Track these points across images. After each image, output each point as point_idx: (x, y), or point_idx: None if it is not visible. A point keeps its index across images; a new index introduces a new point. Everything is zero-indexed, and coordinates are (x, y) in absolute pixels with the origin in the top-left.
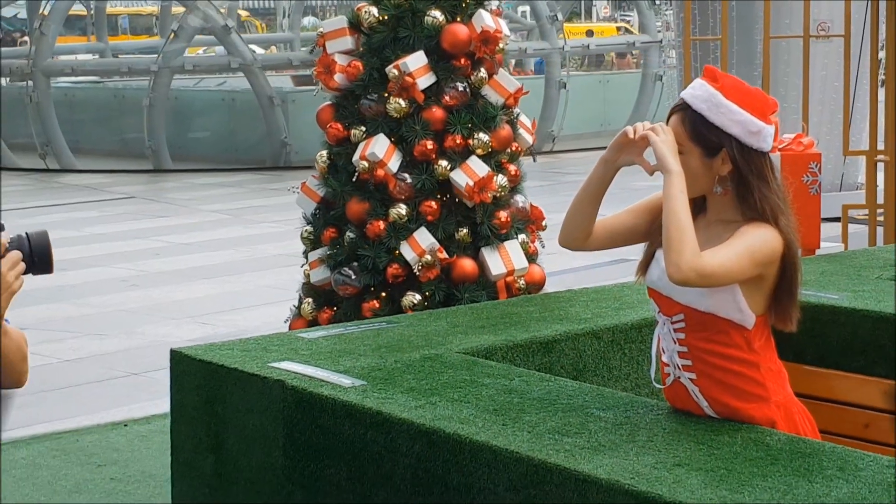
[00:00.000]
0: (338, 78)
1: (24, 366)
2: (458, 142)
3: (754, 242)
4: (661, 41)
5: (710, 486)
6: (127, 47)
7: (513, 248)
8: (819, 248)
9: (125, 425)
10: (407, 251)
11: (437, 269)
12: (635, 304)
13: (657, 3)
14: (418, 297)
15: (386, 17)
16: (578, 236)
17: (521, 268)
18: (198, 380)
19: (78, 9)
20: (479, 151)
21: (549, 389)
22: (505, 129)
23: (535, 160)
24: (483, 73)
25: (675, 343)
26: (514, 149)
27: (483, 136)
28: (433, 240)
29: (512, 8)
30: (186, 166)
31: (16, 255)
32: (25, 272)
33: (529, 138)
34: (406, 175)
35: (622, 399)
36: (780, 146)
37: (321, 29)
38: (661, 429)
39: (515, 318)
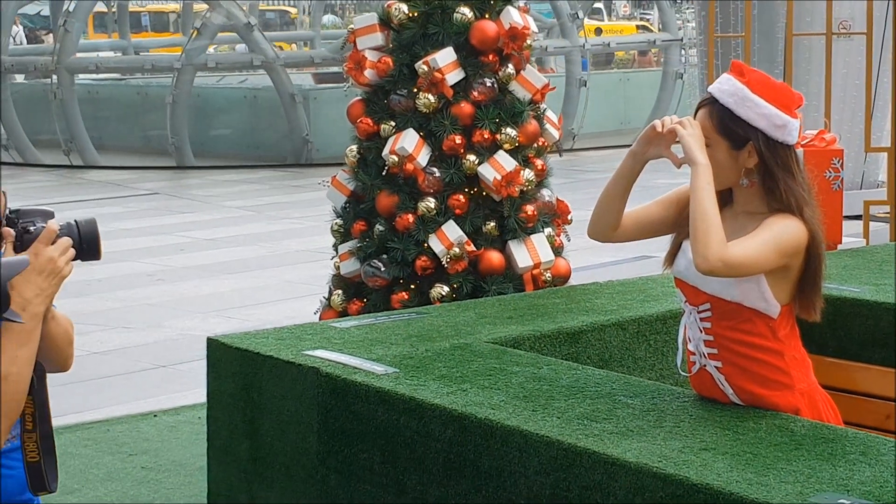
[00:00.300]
0: (368, 73)
1: (70, 350)
2: (485, 136)
3: (780, 233)
4: (681, 39)
5: (736, 470)
6: (150, 44)
7: (539, 241)
8: (841, 243)
9: (154, 416)
10: (435, 244)
11: (465, 261)
12: (660, 296)
13: (678, 1)
14: (446, 288)
15: (416, 14)
16: (607, 228)
17: (548, 261)
18: (234, 367)
19: (100, 6)
20: (506, 146)
21: (577, 377)
22: (532, 125)
23: (560, 155)
24: (511, 69)
25: (701, 332)
26: (540, 144)
27: (510, 131)
28: (461, 233)
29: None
30: (209, 163)
31: (66, 241)
32: (74, 258)
33: (556, 133)
34: (435, 169)
35: (649, 387)
36: (802, 142)
37: (352, 25)
38: (688, 415)
39: (542, 310)
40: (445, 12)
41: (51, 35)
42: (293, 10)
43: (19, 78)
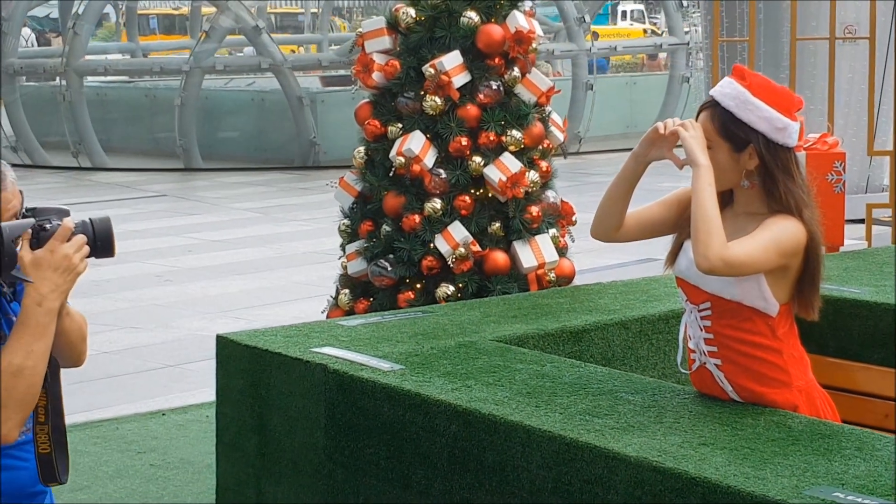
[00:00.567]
0: (376, 76)
1: (84, 346)
2: (491, 138)
3: (779, 234)
4: (688, 43)
5: (734, 464)
6: (158, 47)
7: (544, 241)
8: (843, 245)
9: (163, 414)
10: (441, 244)
11: (471, 261)
12: (663, 296)
13: (685, 5)
14: (452, 288)
15: (423, 18)
16: (610, 228)
17: (552, 261)
18: (242, 364)
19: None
20: (511, 148)
21: (579, 375)
22: (537, 127)
23: (565, 157)
24: (516, 72)
25: (701, 330)
26: (545, 146)
27: (516, 134)
28: (467, 233)
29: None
30: (217, 165)
31: (81, 238)
32: (89, 255)
33: (561, 136)
34: (441, 170)
35: (650, 384)
36: (805, 145)
37: (360, 29)
38: (688, 411)
39: (546, 309)
40: (452, 16)
41: (59, 37)
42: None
43: (29, 80)
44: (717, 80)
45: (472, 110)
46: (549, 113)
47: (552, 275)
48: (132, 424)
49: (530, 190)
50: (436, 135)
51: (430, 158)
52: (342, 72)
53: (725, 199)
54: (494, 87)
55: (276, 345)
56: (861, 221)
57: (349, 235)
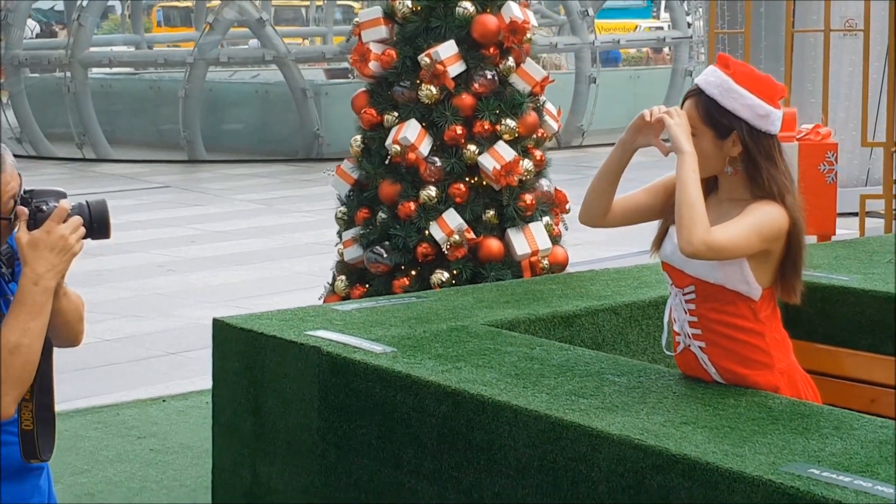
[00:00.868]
0: (372, 65)
1: (81, 326)
2: (486, 127)
3: (762, 219)
4: (691, 37)
5: (714, 442)
6: (162, 39)
7: (537, 229)
8: (835, 234)
9: (163, 401)
10: (436, 231)
11: (465, 248)
12: (653, 283)
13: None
14: (446, 274)
15: (419, 8)
16: (597, 213)
17: (545, 248)
18: (238, 347)
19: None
20: (506, 137)
21: (567, 357)
22: (531, 116)
23: (559, 145)
24: (511, 62)
25: (686, 313)
26: (539, 135)
27: (510, 122)
28: (461, 220)
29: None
30: (220, 157)
31: (77, 219)
32: (85, 237)
33: (555, 125)
34: (436, 159)
35: (636, 366)
36: (798, 136)
37: (357, 19)
38: (672, 392)
39: (538, 295)
40: (448, 6)
41: (65, 29)
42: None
43: (33, 71)
44: None
45: (467, 99)
46: (544, 102)
47: (545, 262)
48: (133, 410)
49: (524, 178)
50: (431, 123)
51: (425, 147)
52: (346, 64)
53: (710, 186)
54: (489, 76)
55: (271, 328)
56: (857, 215)
57: (346, 223)
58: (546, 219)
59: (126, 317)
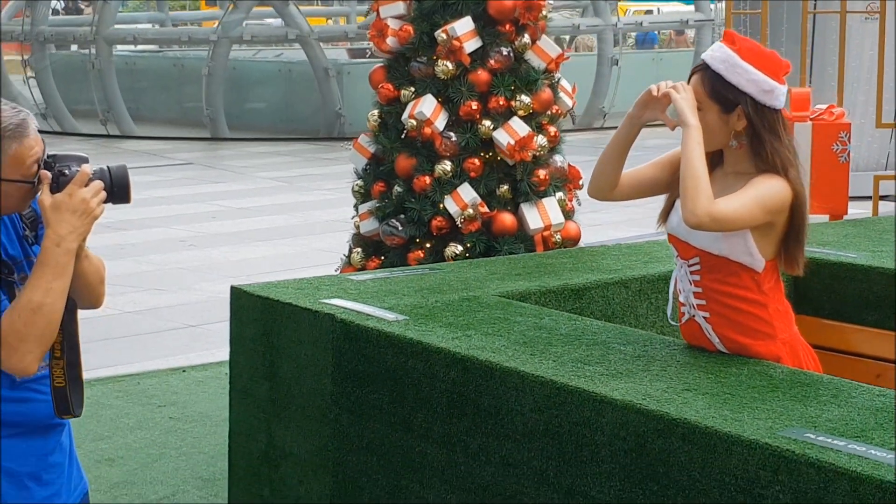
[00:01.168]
0: (390, 41)
1: (102, 288)
2: (501, 103)
3: (765, 192)
4: (713, 19)
5: (714, 408)
6: (187, 17)
7: (550, 204)
8: (847, 213)
9: (183, 371)
10: (450, 205)
11: (479, 222)
12: (664, 258)
13: None
14: (460, 248)
15: None
16: (605, 187)
17: (558, 223)
18: (255, 314)
19: None
20: (520, 113)
21: (576, 327)
22: (546, 93)
23: (574, 122)
24: (526, 38)
25: (691, 284)
26: (554, 111)
27: (525, 99)
28: (475, 195)
29: None
30: (243, 135)
31: (98, 184)
32: (106, 201)
33: (570, 101)
34: (451, 133)
35: (642, 336)
36: (811, 116)
37: None
38: (675, 361)
39: (549, 268)
40: None
41: (90, 6)
42: None
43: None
44: None
45: (482, 75)
46: (559, 79)
47: (558, 236)
48: (153, 380)
49: (538, 154)
50: (447, 99)
51: (441, 122)
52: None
53: (715, 160)
54: (505, 52)
55: (287, 296)
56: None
57: (362, 196)
58: (559, 194)
59: (148, 290)
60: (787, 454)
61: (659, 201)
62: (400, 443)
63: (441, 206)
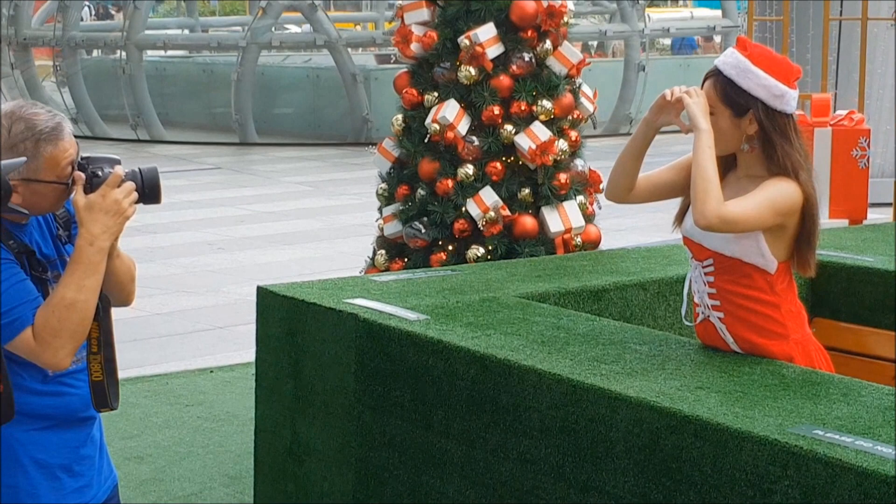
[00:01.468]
0: (414, 47)
1: (132, 286)
2: (522, 108)
3: (775, 194)
4: (740, 26)
5: (726, 405)
6: (216, 23)
7: (571, 208)
8: (866, 218)
9: (211, 371)
10: (473, 208)
11: (500, 225)
12: (682, 261)
13: None
14: (482, 250)
15: None
16: (623, 190)
17: (578, 226)
18: (280, 313)
19: None
20: (542, 117)
21: (593, 327)
22: (567, 98)
23: (595, 127)
24: (548, 44)
25: (705, 285)
26: (575, 116)
27: (546, 104)
28: (497, 198)
29: None
30: (271, 140)
31: (130, 185)
32: (137, 201)
33: (591, 107)
34: (474, 138)
35: (658, 336)
36: (832, 122)
37: (400, 2)
38: (689, 360)
39: (569, 270)
40: None
41: (121, 12)
42: None
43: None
44: None
45: (504, 81)
46: (580, 85)
47: (578, 239)
48: (181, 380)
49: (559, 158)
50: (470, 104)
51: (463, 126)
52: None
53: (729, 163)
54: (527, 58)
55: (311, 296)
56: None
57: (386, 199)
58: (580, 198)
59: (177, 292)
60: (796, 450)
61: None
62: (421, 439)
63: (463, 209)
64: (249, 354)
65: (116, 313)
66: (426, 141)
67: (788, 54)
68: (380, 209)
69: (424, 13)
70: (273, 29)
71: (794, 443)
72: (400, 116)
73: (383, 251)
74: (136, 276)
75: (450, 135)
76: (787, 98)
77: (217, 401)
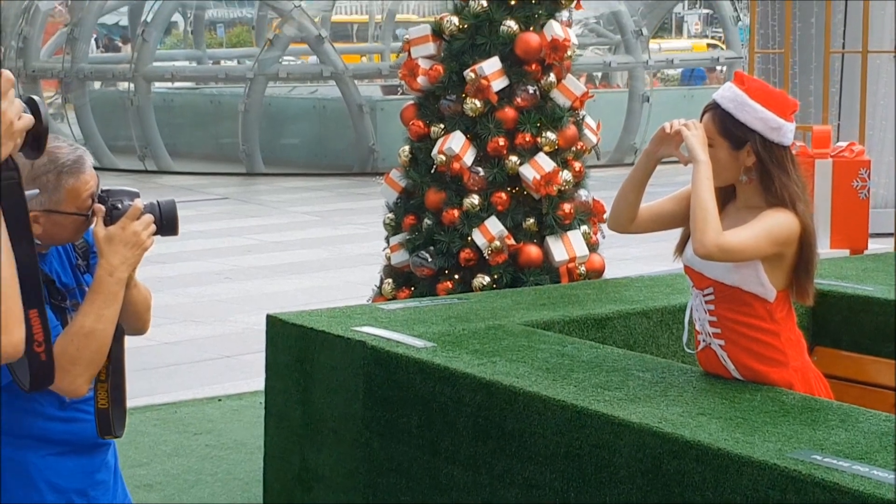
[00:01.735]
0: (420, 80)
1: (148, 315)
2: (527, 139)
3: (773, 224)
4: (743, 57)
5: (727, 431)
6: (223, 55)
7: (575, 237)
8: (867, 248)
9: (219, 400)
10: (478, 237)
11: (506, 254)
12: (685, 290)
13: (742, 19)
14: (487, 279)
15: (465, 26)
16: (624, 220)
17: (583, 255)
18: (290, 341)
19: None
20: (546, 149)
21: (597, 355)
22: (571, 129)
23: (599, 158)
24: (552, 77)
25: (706, 313)
26: (579, 147)
27: (550, 135)
28: (502, 227)
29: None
30: (278, 170)
31: (148, 218)
32: (155, 233)
33: (594, 138)
34: (479, 168)
35: (661, 363)
36: (832, 153)
37: (407, 36)
38: (691, 387)
39: (573, 298)
40: (493, 24)
41: (128, 44)
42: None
43: (96, 85)
44: None
45: (509, 113)
46: (584, 116)
47: (582, 268)
48: (190, 408)
49: (563, 188)
50: (475, 135)
51: (469, 157)
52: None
53: (728, 195)
54: (531, 91)
55: (320, 324)
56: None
57: (393, 228)
58: (584, 227)
59: (185, 321)
60: (795, 474)
61: None
62: (428, 465)
63: (469, 238)
64: (257, 383)
65: (126, 342)
66: (432, 172)
67: (790, 86)
68: (387, 238)
69: (431, 47)
70: (280, 60)
71: (793, 467)
72: (407, 148)
73: (390, 280)
74: (151, 305)
75: (456, 165)
76: (784, 131)
77: (225, 429)
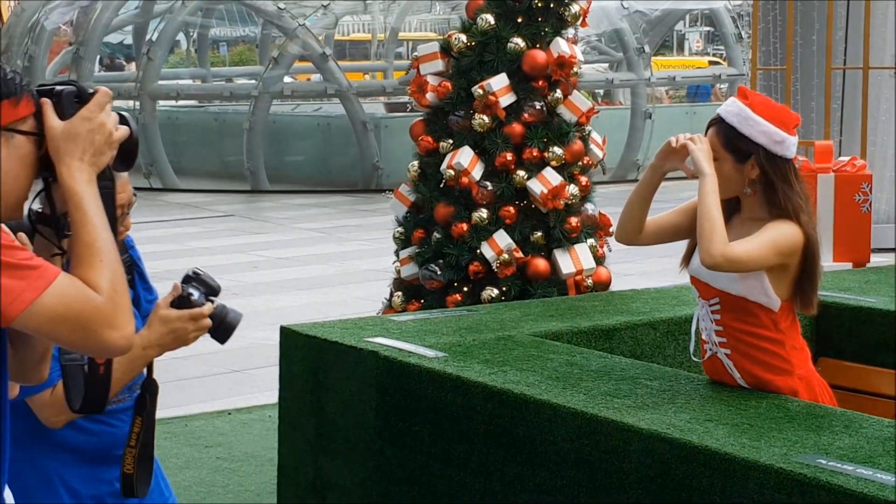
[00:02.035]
0: (429, 96)
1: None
2: (534, 154)
3: (777, 235)
4: (745, 74)
5: (734, 436)
6: (228, 73)
7: (582, 250)
8: (869, 262)
9: (229, 413)
10: (487, 250)
11: (514, 266)
12: (690, 301)
13: (744, 37)
14: (496, 291)
15: (473, 43)
16: (631, 232)
17: (590, 268)
18: (303, 352)
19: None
20: (553, 163)
21: (606, 364)
22: (577, 144)
23: (604, 172)
24: (559, 93)
25: (712, 323)
26: (585, 162)
27: (557, 150)
28: (510, 241)
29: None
30: (283, 187)
31: (206, 323)
32: (204, 333)
33: (600, 153)
34: (488, 183)
35: (668, 372)
36: (834, 168)
37: (416, 53)
38: (698, 394)
39: (581, 310)
40: (500, 42)
41: (133, 63)
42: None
43: None
44: None
45: (517, 128)
46: (589, 132)
47: (589, 281)
48: (200, 422)
49: (570, 202)
50: (483, 150)
51: (477, 172)
52: (405, 98)
53: (733, 207)
54: (538, 107)
55: (333, 335)
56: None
57: (402, 242)
58: (591, 241)
59: None
60: (801, 478)
61: None
62: (440, 473)
63: (478, 251)
64: (266, 396)
65: None
66: (441, 186)
67: (792, 102)
68: (396, 252)
69: (439, 64)
70: (284, 78)
71: (798, 471)
72: (416, 163)
73: (400, 293)
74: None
75: (464, 180)
76: (787, 144)
77: (236, 442)
